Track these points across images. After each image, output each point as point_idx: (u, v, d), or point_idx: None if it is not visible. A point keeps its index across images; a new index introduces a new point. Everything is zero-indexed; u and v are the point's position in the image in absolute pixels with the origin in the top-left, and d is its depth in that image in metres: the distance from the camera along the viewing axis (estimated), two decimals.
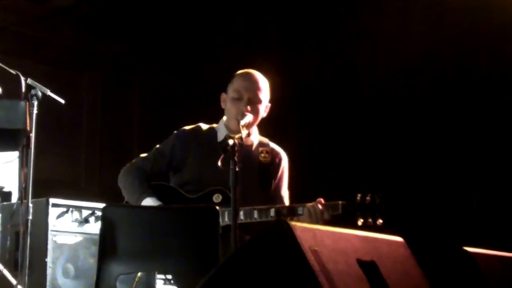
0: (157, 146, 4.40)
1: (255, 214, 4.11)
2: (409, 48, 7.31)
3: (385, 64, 7.50)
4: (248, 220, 4.10)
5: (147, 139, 6.93)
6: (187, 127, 4.42)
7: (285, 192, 4.45)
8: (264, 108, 4.34)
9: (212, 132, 4.39)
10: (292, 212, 4.12)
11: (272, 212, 4.12)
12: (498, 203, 6.90)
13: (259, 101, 4.29)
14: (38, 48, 7.16)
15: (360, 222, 3.99)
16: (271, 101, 4.39)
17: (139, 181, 4.26)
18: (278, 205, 4.24)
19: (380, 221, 3.99)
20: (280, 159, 4.45)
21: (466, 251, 3.55)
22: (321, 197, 4.11)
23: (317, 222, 3.94)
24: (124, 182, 4.31)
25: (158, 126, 7.49)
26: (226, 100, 4.34)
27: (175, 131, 4.42)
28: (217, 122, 4.44)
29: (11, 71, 4.49)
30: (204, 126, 4.43)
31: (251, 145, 4.40)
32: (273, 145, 4.48)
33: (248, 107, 4.25)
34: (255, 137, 4.43)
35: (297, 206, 4.14)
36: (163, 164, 4.35)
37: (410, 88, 7.42)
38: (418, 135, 7.36)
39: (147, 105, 7.91)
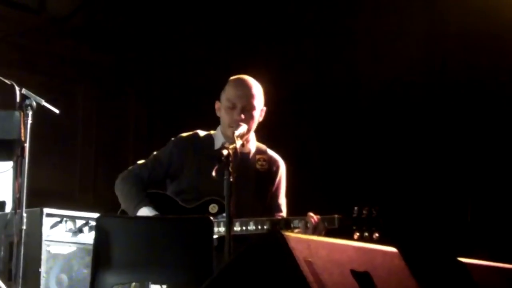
0: (155, 153, 4.38)
1: (251, 226, 4.11)
2: (406, 55, 7.31)
3: (384, 68, 7.48)
4: (244, 231, 4.10)
5: (143, 149, 6.94)
6: (184, 134, 4.40)
7: (282, 201, 4.43)
8: (259, 113, 4.31)
9: (210, 139, 4.37)
10: (288, 224, 4.12)
11: (268, 224, 4.11)
12: (492, 215, 6.90)
13: (253, 108, 4.25)
14: (33, 59, 7.16)
15: (356, 236, 3.99)
16: (269, 107, 4.37)
17: (136, 189, 4.25)
18: (274, 217, 4.23)
19: (377, 235, 3.99)
20: (277, 167, 4.42)
21: (460, 261, 3.55)
22: (318, 208, 4.10)
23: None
24: (121, 190, 4.30)
25: (154, 136, 7.49)
26: (220, 109, 4.33)
27: (172, 138, 4.41)
28: (214, 129, 4.43)
29: (6, 81, 4.49)
30: (202, 133, 4.41)
31: (248, 153, 4.38)
32: (271, 152, 4.45)
33: (242, 116, 4.22)
34: (253, 144, 4.41)
35: (294, 218, 4.14)
36: (160, 172, 4.33)
37: (407, 98, 7.43)
38: (414, 146, 7.36)
39: (143, 115, 7.91)
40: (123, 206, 4.28)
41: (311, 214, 4.07)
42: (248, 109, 4.25)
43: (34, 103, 4.40)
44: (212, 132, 4.41)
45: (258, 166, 4.37)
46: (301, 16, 8.10)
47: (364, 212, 4.01)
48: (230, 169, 3.67)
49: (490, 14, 6.90)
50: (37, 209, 5.17)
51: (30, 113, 4.38)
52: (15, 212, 4.34)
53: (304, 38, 8.07)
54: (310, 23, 8.04)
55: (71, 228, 5.31)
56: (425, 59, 7.43)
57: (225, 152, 3.70)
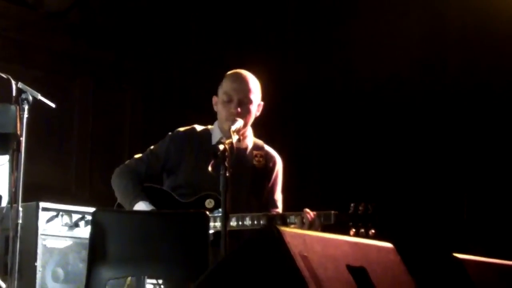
0: (152, 147, 4.37)
1: (247, 221, 4.11)
2: (403, 54, 7.32)
3: (382, 67, 7.48)
4: (240, 227, 4.10)
5: (138, 144, 6.94)
6: (182, 129, 4.39)
7: (278, 196, 4.42)
8: (256, 108, 4.30)
9: (207, 134, 4.36)
10: (284, 220, 4.12)
11: (264, 219, 4.11)
12: (488, 212, 6.92)
13: (250, 102, 4.25)
14: (30, 54, 7.15)
15: (352, 232, 3.99)
16: (267, 105, 4.37)
17: (133, 184, 4.24)
18: (270, 213, 4.23)
19: (373, 231, 3.99)
20: (274, 163, 4.42)
21: (455, 257, 3.56)
22: (314, 204, 4.11)
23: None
24: (118, 184, 4.29)
25: (150, 132, 7.48)
26: (218, 103, 4.33)
27: (169, 133, 4.40)
28: (212, 125, 4.42)
29: (2, 75, 4.49)
30: (199, 128, 4.40)
31: (246, 148, 4.37)
32: (268, 148, 4.45)
33: (239, 109, 4.21)
34: (250, 140, 4.40)
35: (290, 214, 4.14)
36: (157, 167, 4.33)
37: (403, 96, 7.43)
38: (410, 143, 7.37)
39: (139, 110, 7.90)
40: (119, 200, 4.28)
41: (307, 210, 4.07)
42: (245, 102, 4.24)
43: (30, 97, 4.40)
44: (209, 127, 4.40)
45: (255, 162, 4.37)
46: (300, 16, 8.11)
47: (360, 208, 4.01)
48: (226, 164, 3.67)
49: (490, 14, 6.91)
50: (33, 203, 5.15)
51: (26, 107, 4.38)
52: (11, 206, 4.35)
53: (303, 37, 8.07)
54: (309, 22, 8.04)
55: (67, 222, 5.31)
56: (424, 59, 7.44)
57: (221, 147, 3.70)
